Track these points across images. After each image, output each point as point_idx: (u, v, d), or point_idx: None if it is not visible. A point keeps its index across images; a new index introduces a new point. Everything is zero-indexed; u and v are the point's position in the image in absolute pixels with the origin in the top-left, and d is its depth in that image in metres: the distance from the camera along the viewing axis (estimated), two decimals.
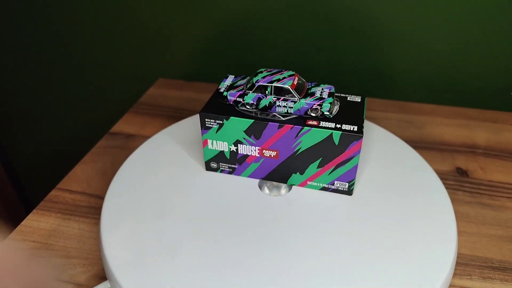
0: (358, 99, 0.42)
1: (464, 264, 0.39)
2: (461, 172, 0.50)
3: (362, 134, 0.37)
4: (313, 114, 0.39)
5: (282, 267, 0.33)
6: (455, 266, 0.39)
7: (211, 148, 0.42)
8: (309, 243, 0.36)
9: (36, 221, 0.44)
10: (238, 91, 0.40)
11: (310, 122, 0.38)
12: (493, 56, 0.61)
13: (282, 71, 0.41)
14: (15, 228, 0.97)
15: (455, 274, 0.38)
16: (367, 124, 0.51)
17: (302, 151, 0.39)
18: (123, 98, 0.80)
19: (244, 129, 0.40)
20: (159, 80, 0.71)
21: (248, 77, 0.43)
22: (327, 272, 0.33)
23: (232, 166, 0.43)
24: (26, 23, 0.75)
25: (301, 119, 0.39)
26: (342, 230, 0.37)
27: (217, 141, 0.41)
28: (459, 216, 0.44)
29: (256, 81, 0.39)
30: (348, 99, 0.42)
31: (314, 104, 0.38)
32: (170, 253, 0.35)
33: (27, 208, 1.03)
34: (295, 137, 0.39)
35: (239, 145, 0.41)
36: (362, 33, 0.63)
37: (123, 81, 0.78)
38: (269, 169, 0.42)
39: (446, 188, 0.48)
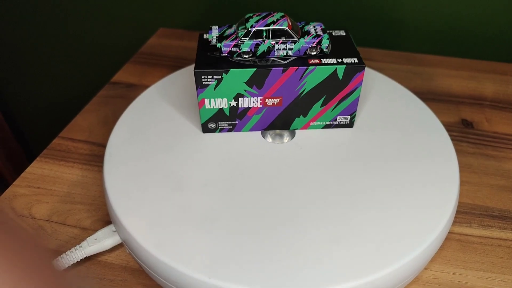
0: (343, 33, 0.42)
1: (464, 213, 0.40)
2: (467, 124, 0.50)
3: (364, 64, 0.37)
4: (313, 53, 0.38)
5: (305, 206, 0.34)
6: (456, 214, 0.39)
7: (209, 107, 0.39)
8: (325, 181, 0.36)
9: (40, 169, 0.45)
10: (231, 40, 0.37)
11: (313, 61, 0.38)
12: (504, 7, 0.59)
13: (271, 13, 0.39)
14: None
15: (455, 222, 0.39)
16: (373, 74, 0.50)
17: (306, 92, 0.39)
18: (123, 48, 0.78)
19: (246, 80, 0.38)
20: (160, 30, 0.69)
21: (234, 25, 0.40)
22: (338, 205, 0.34)
23: (232, 122, 0.41)
24: None
25: (302, 60, 0.38)
26: (348, 171, 0.37)
27: (216, 99, 0.39)
28: (462, 166, 0.44)
29: (251, 27, 0.37)
30: (333, 34, 0.41)
31: (314, 42, 0.38)
32: (169, 193, 0.35)
33: (30, 159, 1.04)
34: (300, 79, 0.38)
35: (239, 99, 0.39)
36: None
37: (124, 31, 0.76)
38: (271, 118, 0.41)
39: (451, 139, 0.47)
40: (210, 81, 0.37)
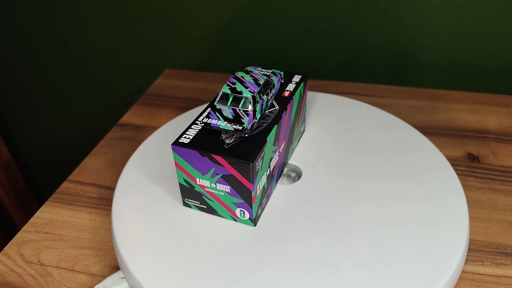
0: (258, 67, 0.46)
1: (476, 250, 0.39)
2: (472, 158, 0.50)
3: (306, 74, 0.41)
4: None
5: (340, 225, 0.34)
6: (467, 252, 0.39)
7: (258, 195, 0.35)
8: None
9: (49, 213, 0.45)
10: (247, 116, 0.35)
11: (287, 94, 0.41)
12: (506, 40, 0.60)
13: (236, 75, 0.38)
14: (28, 220, 0.98)
15: (467, 261, 0.38)
16: (376, 111, 0.51)
17: (292, 122, 0.41)
18: (131, 89, 0.80)
19: (272, 142, 0.36)
20: (166, 71, 0.71)
21: (219, 106, 0.36)
22: (354, 243, 0.33)
23: (268, 193, 0.38)
24: (32, 17, 0.75)
25: (280, 97, 0.40)
26: (356, 212, 0.37)
27: (261, 179, 0.35)
28: (470, 202, 0.44)
29: (252, 94, 0.36)
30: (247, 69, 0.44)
31: (279, 78, 0.41)
32: (182, 243, 0.35)
33: (39, 200, 1.04)
34: (290, 113, 0.40)
35: (270, 163, 0.37)
36: (373, 18, 0.62)
37: (131, 72, 0.78)
38: (281, 164, 0.41)
39: (457, 174, 0.47)
40: (258, 165, 0.34)
